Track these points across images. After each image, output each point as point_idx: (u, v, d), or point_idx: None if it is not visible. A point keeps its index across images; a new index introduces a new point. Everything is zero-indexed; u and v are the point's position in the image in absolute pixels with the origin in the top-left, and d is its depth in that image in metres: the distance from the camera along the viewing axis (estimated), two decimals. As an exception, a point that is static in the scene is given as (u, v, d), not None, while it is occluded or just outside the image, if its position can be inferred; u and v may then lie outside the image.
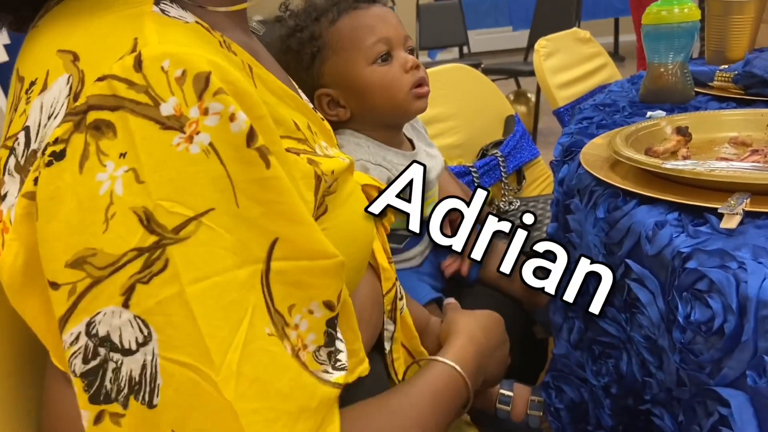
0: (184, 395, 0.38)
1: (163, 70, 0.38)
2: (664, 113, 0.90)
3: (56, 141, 0.38)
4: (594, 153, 0.75)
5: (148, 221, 0.37)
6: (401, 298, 0.70)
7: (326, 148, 0.56)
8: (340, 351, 0.48)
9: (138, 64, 0.38)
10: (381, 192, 0.69)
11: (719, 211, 0.53)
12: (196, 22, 0.46)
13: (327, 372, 0.45)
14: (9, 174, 0.42)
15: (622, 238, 0.61)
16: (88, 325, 0.38)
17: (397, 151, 0.83)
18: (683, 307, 0.51)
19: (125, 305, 0.37)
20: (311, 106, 0.64)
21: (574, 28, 2.02)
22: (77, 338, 0.38)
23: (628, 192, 0.63)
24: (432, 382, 0.62)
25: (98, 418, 0.38)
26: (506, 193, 1.44)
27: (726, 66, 1.02)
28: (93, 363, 0.38)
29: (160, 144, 0.38)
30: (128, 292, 0.37)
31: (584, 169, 0.71)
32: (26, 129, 0.41)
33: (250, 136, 0.40)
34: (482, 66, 4.25)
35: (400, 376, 0.71)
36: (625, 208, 0.62)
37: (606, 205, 0.65)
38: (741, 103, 0.93)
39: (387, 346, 0.69)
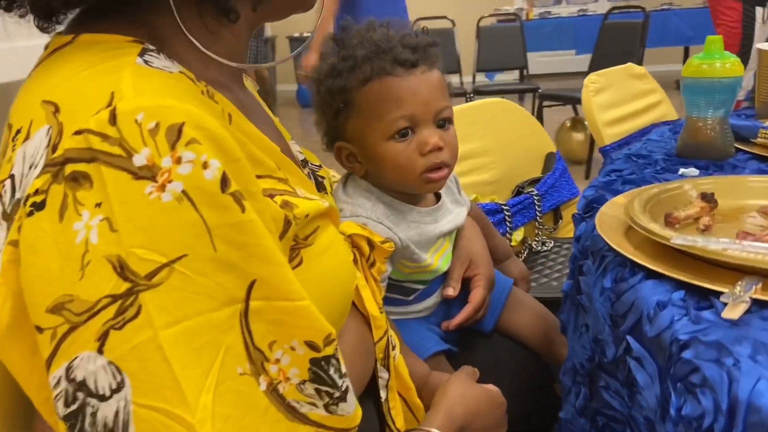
0: None
1: (137, 122, 0.40)
2: (697, 171, 0.86)
3: (36, 192, 0.40)
4: (612, 214, 0.73)
5: (121, 269, 0.39)
6: (393, 348, 0.69)
7: (306, 194, 0.57)
8: (338, 395, 0.48)
9: (113, 118, 0.40)
10: (370, 244, 0.68)
11: (721, 299, 0.50)
12: (180, 72, 0.48)
13: (314, 406, 0.46)
14: None
15: (626, 312, 0.59)
16: (67, 369, 0.39)
17: (413, 208, 0.80)
18: (677, 399, 0.49)
19: (100, 351, 0.39)
20: (300, 158, 0.64)
21: (629, 63, 1.97)
22: (59, 382, 0.39)
23: (636, 263, 0.61)
24: None
25: None
26: (540, 233, 1.41)
27: (772, 122, 0.97)
28: (73, 407, 0.39)
29: (132, 193, 0.39)
30: (102, 338, 0.38)
31: (599, 230, 0.69)
32: (11, 177, 0.43)
33: (224, 181, 0.41)
34: (540, 91, 4.20)
35: (398, 424, 0.70)
36: (631, 281, 0.59)
37: (614, 274, 0.63)
38: (784, 164, 0.89)
39: (383, 394, 0.68)
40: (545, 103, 4.16)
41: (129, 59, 0.45)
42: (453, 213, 0.86)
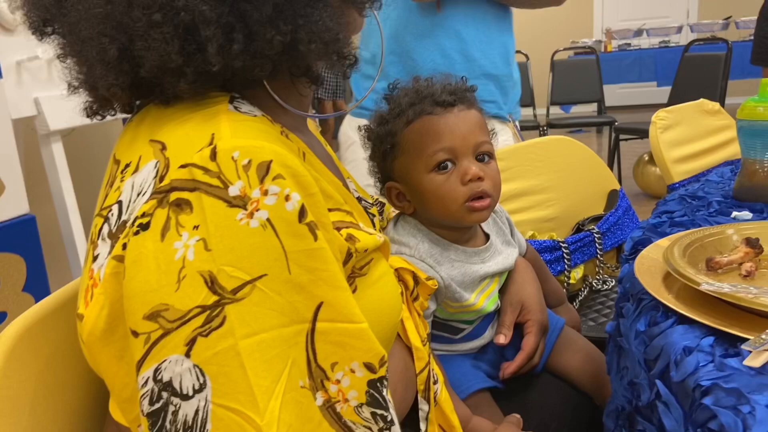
0: None
1: (233, 159, 0.47)
2: (750, 215, 0.85)
3: (143, 215, 0.47)
4: (653, 257, 0.73)
5: (212, 283, 0.45)
6: (435, 382, 0.71)
7: (365, 228, 0.62)
8: (390, 418, 0.51)
9: (213, 155, 0.47)
10: (415, 279, 0.72)
11: (743, 347, 0.51)
12: (263, 115, 0.55)
13: (369, 430, 0.50)
14: (102, 239, 0.51)
15: (657, 356, 0.59)
16: (156, 370, 0.45)
17: (459, 248, 0.83)
18: (697, 445, 0.50)
19: (187, 354, 0.44)
20: (356, 195, 0.69)
21: (702, 99, 1.92)
22: (146, 382, 0.45)
23: (668, 308, 0.61)
24: None
25: None
26: (601, 271, 1.39)
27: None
28: (157, 405, 0.45)
29: (226, 219, 0.45)
30: (191, 343, 0.44)
31: (640, 273, 0.70)
32: (119, 203, 0.51)
33: (302, 213, 0.47)
34: (616, 124, 4.13)
35: None
36: (663, 325, 0.60)
37: (648, 317, 0.64)
38: None
39: (422, 426, 0.71)
40: (622, 136, 4.08)
41: (223, 107, 0.53)
42: (503, 254, 0.87)
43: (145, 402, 0.45)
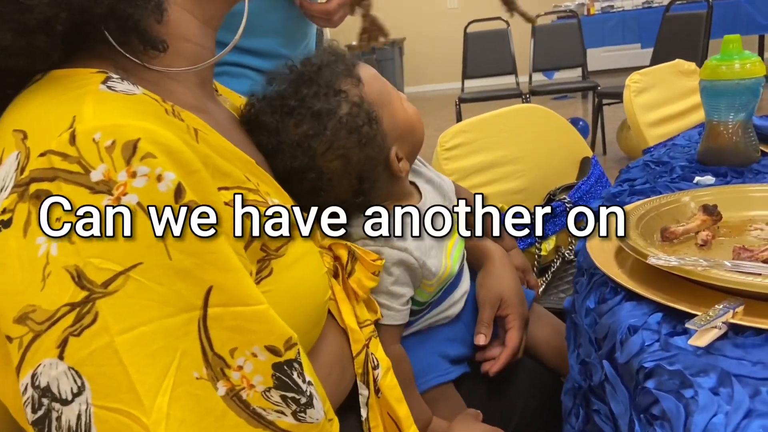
0: None
1: (95, 141, 0.42)
2: (713, 180, 0.81)
3: (4, 211, 0.43)
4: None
5: (79, 278, 0.41)
6: (375, 367, 0.68)
7: (279, 203, 0.58)
8: (305, 401, 0.48)
9: (72, 139, 0.42)
10: (350, 252, 0.68)
11: (687, 325, 0.47)
12: (144, 93, 0.50)
13: (282, 414, 0.47)
14: None
15: (605, 335, 0.56)
16: (32, 376, 0.42)
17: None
18: (640, 431, 0.46)
19: (60, 357, 0.41)
20: (270, 174, 0.64)
21: (677, 60, 1.87)
22: (26, 388, 0.42)
23: (618, 283, 0.58)
24: None
25: None
26: (573, 241, 1.36)
27: (806, 122, 0.91)
28: (39, 413, 0.42)
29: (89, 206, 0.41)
30: (62, 344, 0.41)
31: (594, 246, 0.67)
32: None
33: (178, 193, 0.44)
34: (599, 89, 4.08)
35: None
36: (611, 302, 0.57)
37: (597, 294, 0.60)
38: (814, 168, 0.83)
39: (363, 412, 0.68)
40: (606, 100, 4.03)
41: (92, 87, 0.48)
42: (435, 191, 0.85)
43: (29, 410, 0.42)
